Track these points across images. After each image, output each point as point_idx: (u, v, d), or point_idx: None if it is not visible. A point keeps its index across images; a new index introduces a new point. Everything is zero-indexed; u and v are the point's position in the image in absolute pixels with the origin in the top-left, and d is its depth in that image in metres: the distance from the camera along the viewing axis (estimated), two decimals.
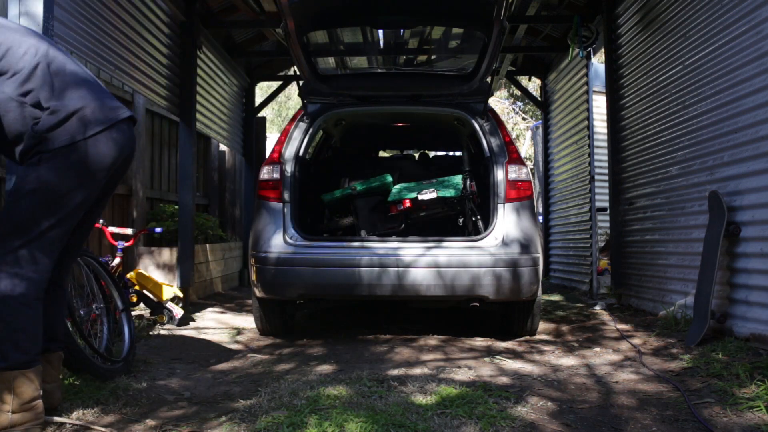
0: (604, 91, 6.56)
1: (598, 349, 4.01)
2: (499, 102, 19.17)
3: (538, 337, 4.48)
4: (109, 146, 2.39)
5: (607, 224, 6.64)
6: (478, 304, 4.24)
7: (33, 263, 2.27)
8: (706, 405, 2.72)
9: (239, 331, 4.69)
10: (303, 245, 4.13)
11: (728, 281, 4.00)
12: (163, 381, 3.17)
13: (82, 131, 2.32)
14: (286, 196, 4.25)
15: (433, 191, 4.73)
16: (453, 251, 4.08)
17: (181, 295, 5.05)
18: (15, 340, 2.23)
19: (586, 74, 7.22)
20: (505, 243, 4.08)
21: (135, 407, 2.67)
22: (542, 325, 4.87)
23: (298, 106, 5.37)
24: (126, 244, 4.51)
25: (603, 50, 6.73)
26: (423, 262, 4.02)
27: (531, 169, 11.54)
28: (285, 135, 4.49)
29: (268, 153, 5.82)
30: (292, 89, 18.43)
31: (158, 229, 5.04)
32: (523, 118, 19.59)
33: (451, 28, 5.11)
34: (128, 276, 4.64)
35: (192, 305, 5.89)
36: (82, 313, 3.25)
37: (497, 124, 4.50)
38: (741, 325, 3.81)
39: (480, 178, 4.83)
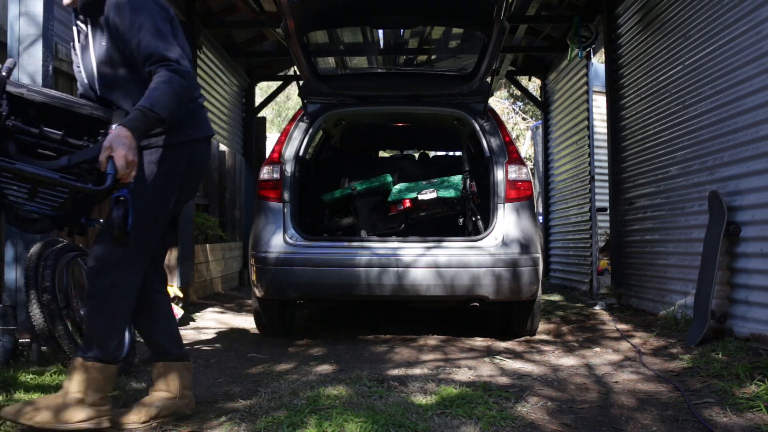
0: (604, 91, 6.56)
1: (598, 349, 4.01)
2: (499, 102, 19.17)
3: (538, 337, 4.48)
4: (206, 152, 2.53)
5: (607, 224, 6.64)
6: (478, 304, 4.24)
7: (137, 264, 2.36)
8: (706, 405, 2.72)
9: (239, 331, 4.69)
10: (303, 245, 4.13)
11: (728, 281, 4.00)
12: None
13: (194, 131, 2.45)
14: (286, 196, 4.25)
15: (433, 191, 4.73)
16: (453, 251, 4.08)
17: (181, 295, 5.06)
18: (115, 336, 2.35)
19: (586, 74, 7.22)
20: (505, 243, 4.08)
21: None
22: (542, 325, 4.87)
23: (298, 106, 5.36)
24: None
25: (603, 50, 6.73)
26: (423, 262, 4.02)
27: (531, 169, 11.55)
28: (285, 135, 4.49)
29: (268, 153, 5.81)
30: (292, 89, 18.42)
31: None
32: (523, 118, 19.59)
33: (451, 28, 5.11)
34: None
35: (192, 305, 5.89)
36: (82, 313, 3.25)
37: (497, 124, 4.50)
38: (741, 325, 3.81)
39: (480, 178, 4.83)
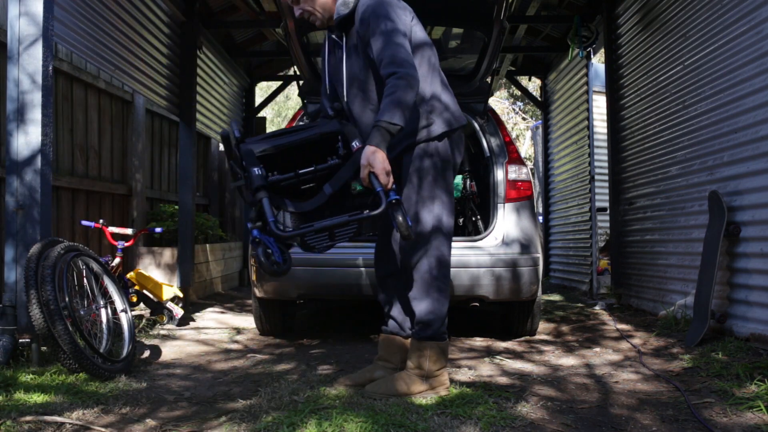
0: (604, 91, 6.56)
1: (598, 349, 4.01)
2: (499, 102, 19.17)
3: (538, 337, 4.48)
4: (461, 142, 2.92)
5: (607, 224, 6.64)
6: (478, 304, 4.23)
7: (449, 244, 2.83)
8: (706, 405, 2.72)
9: (239, 331, 4.69)
10: None
11: (728, 281, 4.00)
12: (163, 381, 3.17)
13: (451, 123, 2.80)
14: None
15: None
16: (453, 251, 4.06)
17: (181, 295, 5.05)
18: (444, 318, 2.76)
19: (586, 74, 7.22)
20: (504, 243, 4.08)
21: (135, 407, 2.67)
22: (542, 325, 4.87)
23: (298, 106, 5.36)
24: (126, 244, 4.51)
25: (603, 50, 6.73)
26: None
27: (531, 169, 11.55)
28: None
29: None
30: (292, 89, 18.43)
31: (158, 229, 5.03)
32: (523, 118, 19.59)
33: (450, 28, 5.10)
34: (128, 276, 4.64)
35: (192, 305, 5.89)
36: (82, 313, 3.25)
37: (497, 124, 4.50)
38: (741, 325, 3.81)
39: (480, 178, 4.83)
